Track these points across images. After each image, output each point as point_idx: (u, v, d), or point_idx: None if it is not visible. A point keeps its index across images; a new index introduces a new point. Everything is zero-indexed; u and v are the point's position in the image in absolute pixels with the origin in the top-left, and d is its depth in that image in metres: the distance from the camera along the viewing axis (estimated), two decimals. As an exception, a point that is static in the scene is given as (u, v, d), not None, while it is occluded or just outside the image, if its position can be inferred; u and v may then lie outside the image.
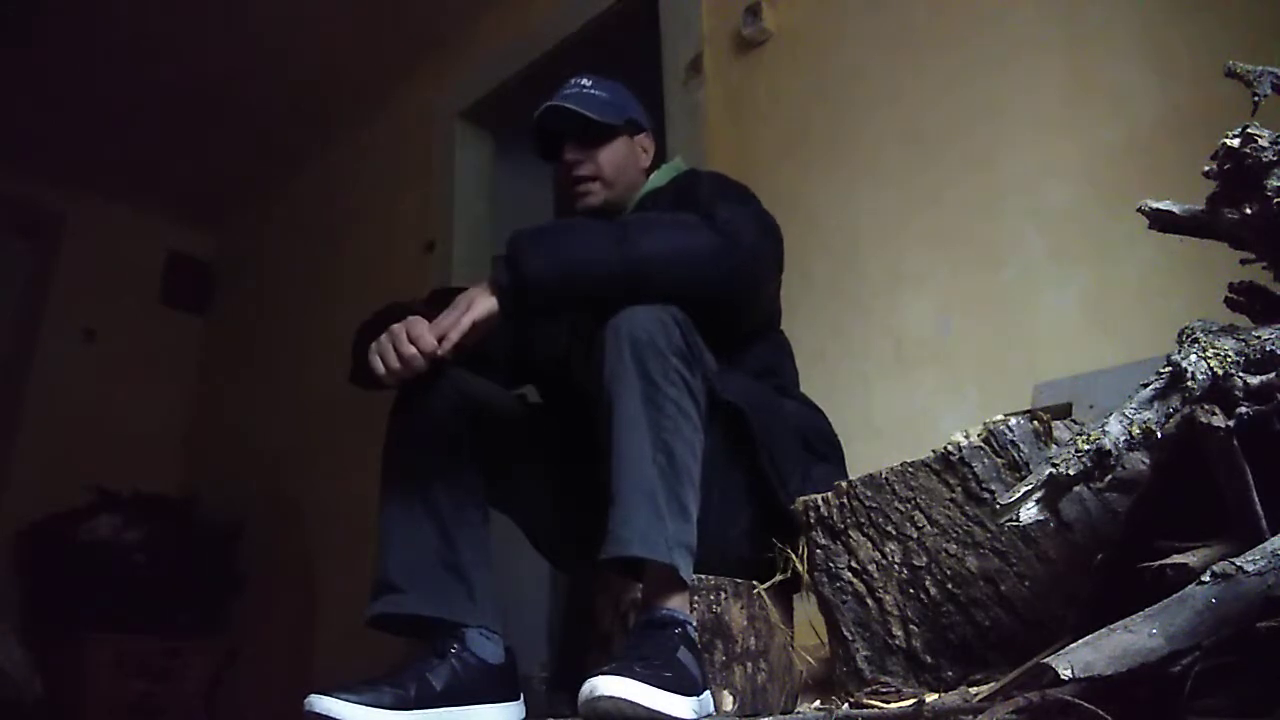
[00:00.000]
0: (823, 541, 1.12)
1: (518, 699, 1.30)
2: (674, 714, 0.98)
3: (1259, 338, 0.78)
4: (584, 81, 1.60)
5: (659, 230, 1.29)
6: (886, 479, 1.08)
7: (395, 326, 1.27)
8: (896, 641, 1.04)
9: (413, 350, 1.24)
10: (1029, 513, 0.74)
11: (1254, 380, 0.75)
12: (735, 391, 1.32)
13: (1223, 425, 0.70)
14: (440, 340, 1.24)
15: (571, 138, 1.57)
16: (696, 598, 1.23)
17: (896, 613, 1.05)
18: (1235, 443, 0.70)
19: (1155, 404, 0.76)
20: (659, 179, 1.60)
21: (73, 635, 3.29)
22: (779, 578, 1.30)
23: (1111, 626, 0.63)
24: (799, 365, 1.59)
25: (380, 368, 1.27)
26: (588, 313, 1.40)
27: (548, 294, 1.24)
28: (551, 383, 1.61)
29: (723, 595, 1.27)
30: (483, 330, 1.26)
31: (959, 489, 1.03)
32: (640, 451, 1.14)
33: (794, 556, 1.28)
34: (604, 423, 1.18)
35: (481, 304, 1.25)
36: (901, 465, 1.08)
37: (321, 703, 1.08)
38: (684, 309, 1.23)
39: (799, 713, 1.10)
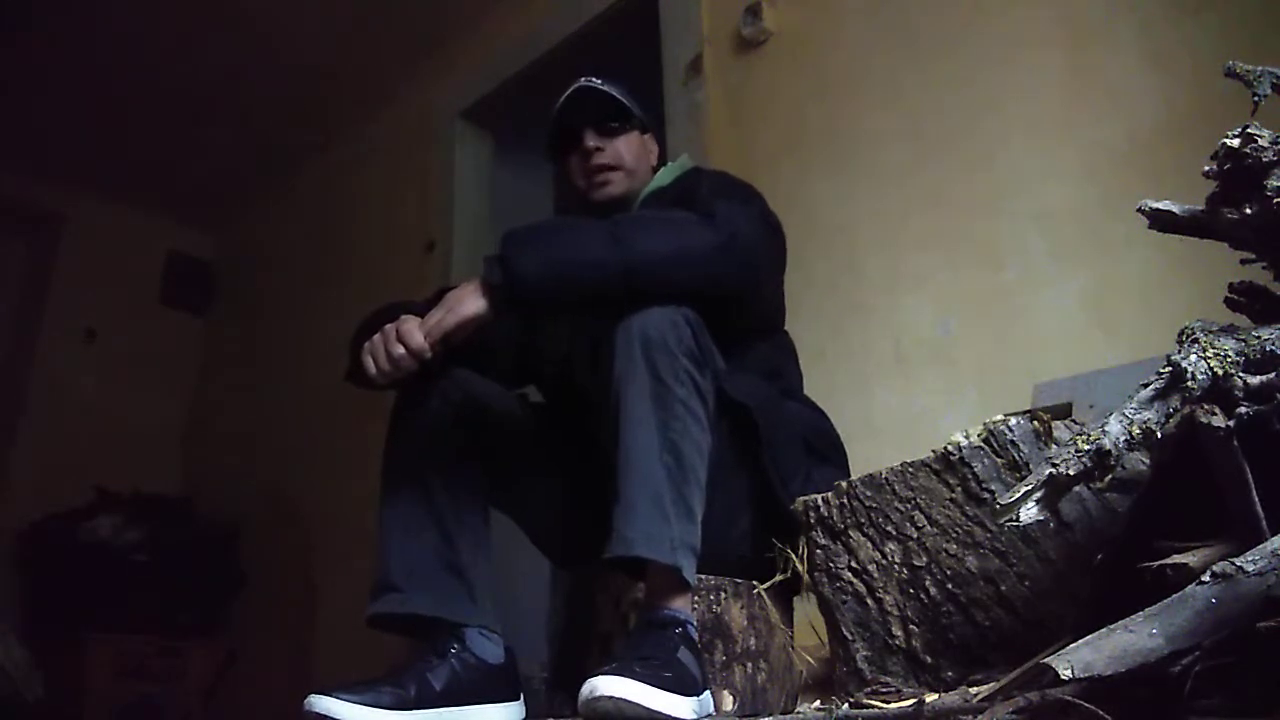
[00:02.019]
0: (823, 541, 1.12)
1: (518, 699, 1.30)
2: (674, 714, 0.98)
3: (1259, 338, 0.79)
4: (595, 80, 1.61)
5: (654, 228, 1.27)
6: (886, 479, 1.08)
7: (387, 327, 1.27)
8: (896, 641, 1.04)
9: (401, 351, 1.24)
10: (1029, 513, 0.74)
11: (1254, 380, 0.75)
12: (741, 391, 1.32)
13: (1223, 425, 0.70)
14: (425, 338, 1.24)
15: (591, 127, 1.56)
16: (696, 598, 1.23)
17: (896, 613, 1.05)
18: (1235, 443, 0.70)
19: (1155, 404, 0.76)
20: (664, 177, 1.60)
21: (73, 635, 3.29)
22: (779, 578, 1.30)
23: (1111, 626, 0.63)
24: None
25: (371, 368, 1.27)
26: (582, 312, 1.39)
27: (539, 293, 1.22)
28: (554, 383, 1.61)
29: (723, 595, 1.27)
30: (469, 330, 1.25)
31: (959, 489, 1.03)
32: (648, 451, 1.14)
33: (794, 556, 1.28)
34: (612, 421, 1.18)
35: (469, 304, 1.24)
36: (901, 465, 1.08)
37: (321, 702, 1.09)
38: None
39: (799, 713, 1.10)
